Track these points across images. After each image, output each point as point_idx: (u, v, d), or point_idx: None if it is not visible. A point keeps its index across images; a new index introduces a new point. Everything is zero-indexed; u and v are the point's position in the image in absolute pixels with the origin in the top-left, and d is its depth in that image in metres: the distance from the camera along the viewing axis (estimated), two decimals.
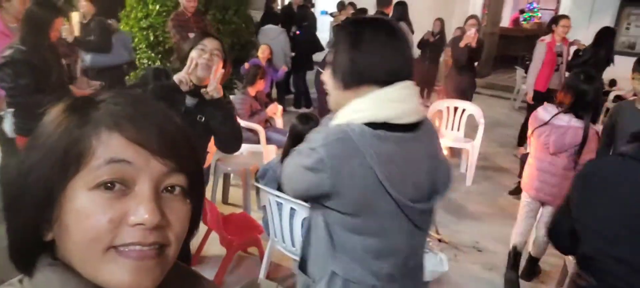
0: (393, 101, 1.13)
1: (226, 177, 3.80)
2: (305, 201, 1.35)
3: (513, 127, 5.74)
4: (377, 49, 1.14)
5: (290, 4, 7.59)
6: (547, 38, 5.21)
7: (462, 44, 4.99)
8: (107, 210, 0.52)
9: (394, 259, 1.22)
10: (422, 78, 7.97)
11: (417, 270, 1.35)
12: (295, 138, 2.42)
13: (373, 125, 1.11)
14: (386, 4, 5.22)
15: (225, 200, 3.83)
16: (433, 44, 7.74)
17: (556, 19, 5.29)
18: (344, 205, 1.15)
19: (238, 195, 3.81)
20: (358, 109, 1.14)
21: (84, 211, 0.52)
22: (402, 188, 1.13)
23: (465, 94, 5.22)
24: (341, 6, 7.54)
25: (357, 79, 1.15)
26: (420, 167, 1.19)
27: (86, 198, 0.52)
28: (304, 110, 6.79)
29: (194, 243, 2.89)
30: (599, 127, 2.86)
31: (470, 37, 4.92)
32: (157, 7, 5.11)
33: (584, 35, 6.38)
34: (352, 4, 7.09)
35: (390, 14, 5.11)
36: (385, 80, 1.13)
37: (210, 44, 2.00)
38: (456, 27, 7.99)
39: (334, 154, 1.10)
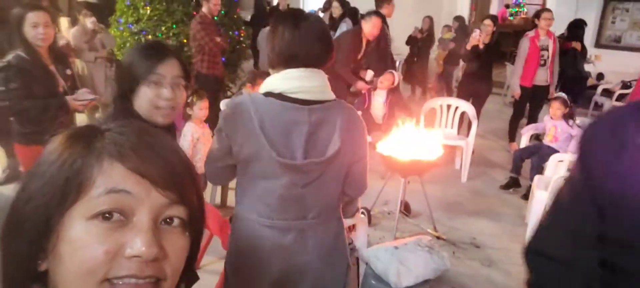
0: (288, 79, 1.41)
1: None
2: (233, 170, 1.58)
3: (505, 121, 5.80)
4: (281, 39, 1.42)
5: (278, 4, 7.61)
6: (531, 33, 5.25)
7: (468, 47, 4.96)
8: (103, 241, 0.51)
9: (270, 202, 1.49)
10: (412, 75, 8.05)
11: (308, 228, 1.53)
12: None
13: (272, 95, 1.41)
14: (381, 4, 5.13)
15: (224, 204, 3.83)
16: (421, 41, 7.81)
17: (538, 13, 5.35)
18: (239, 152, 1.45)
19: None
20: (266, 83, 1.45)
21: (80, 241, 0.51)
22: (274, 141, 1.40)
23: (481, 98, 5.20)
24: (327, 5, 7.55)
25: (274, 62, 1.46)
26: (296, 130, 1.41)
27: (83, 228, 0.51)
28: None
29: None
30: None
31: (475, 38, 4.88)
32: (148, 11, 5.10)
33: None
34: (341, 1, 6.91)
35: (387, 14, 5.00)
36: (287, 63, 1.41)
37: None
38: (443, 25, 8.07)
39: (228, 115, 1.45)
